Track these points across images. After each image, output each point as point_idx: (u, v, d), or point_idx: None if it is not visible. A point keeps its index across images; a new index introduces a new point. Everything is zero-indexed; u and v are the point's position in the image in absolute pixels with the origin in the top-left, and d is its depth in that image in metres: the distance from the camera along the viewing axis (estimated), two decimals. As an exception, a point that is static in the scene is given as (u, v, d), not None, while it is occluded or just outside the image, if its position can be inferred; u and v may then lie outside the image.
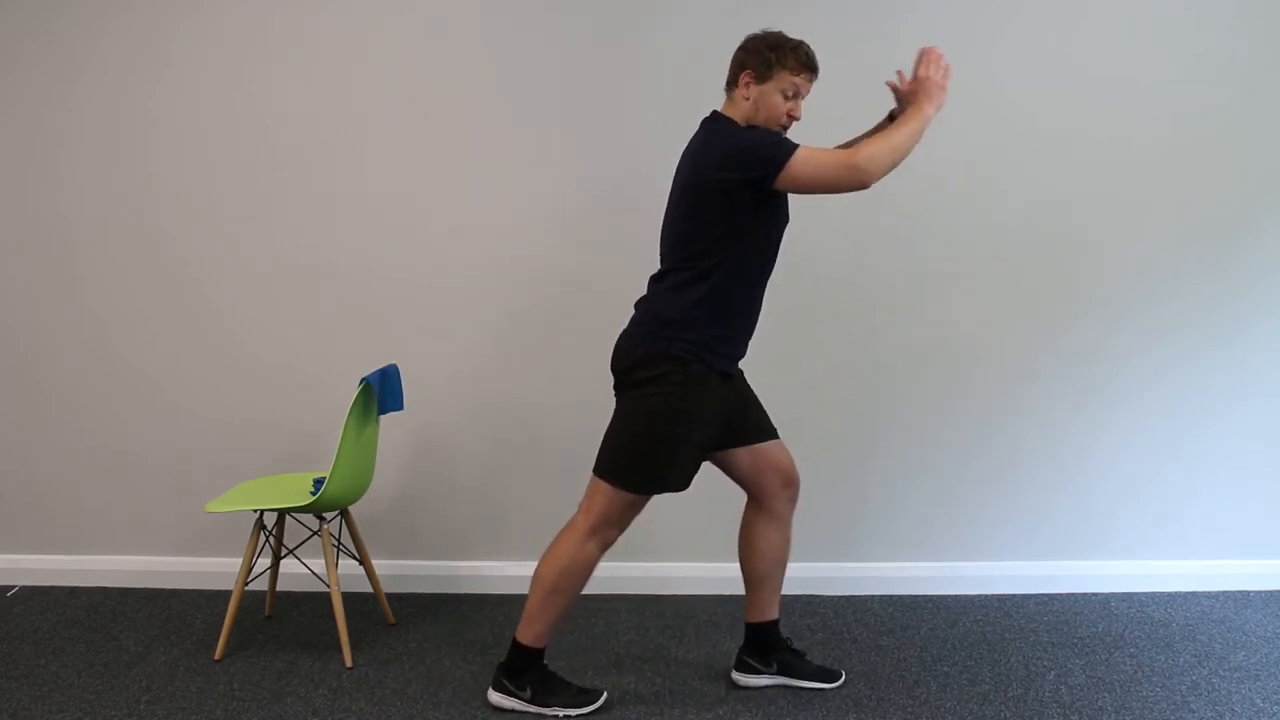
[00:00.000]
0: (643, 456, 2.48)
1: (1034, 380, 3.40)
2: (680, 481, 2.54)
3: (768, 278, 2.55)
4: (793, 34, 2.49)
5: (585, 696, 2.68)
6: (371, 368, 3.34)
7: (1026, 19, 3.23)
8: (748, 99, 2.45)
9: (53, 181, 3.35)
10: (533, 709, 2.64)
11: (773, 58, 2.42)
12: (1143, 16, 3.24)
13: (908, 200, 3.30)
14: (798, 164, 2.32)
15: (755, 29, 2.51)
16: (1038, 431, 3.43)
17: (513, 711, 2.66)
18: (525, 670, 2.64)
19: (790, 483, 2.70)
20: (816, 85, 3.16)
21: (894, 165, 2.33)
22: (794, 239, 3.26)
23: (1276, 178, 3.33)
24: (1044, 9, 3.23)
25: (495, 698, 2.68)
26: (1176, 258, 3.35)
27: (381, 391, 2.97)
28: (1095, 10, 3.24)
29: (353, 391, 3.28)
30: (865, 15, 3.23)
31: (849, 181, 2.31)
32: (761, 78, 2.43)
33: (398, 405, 3.07)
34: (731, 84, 2.50)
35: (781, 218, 2.52)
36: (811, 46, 2.48)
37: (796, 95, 2.46)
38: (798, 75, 2.45)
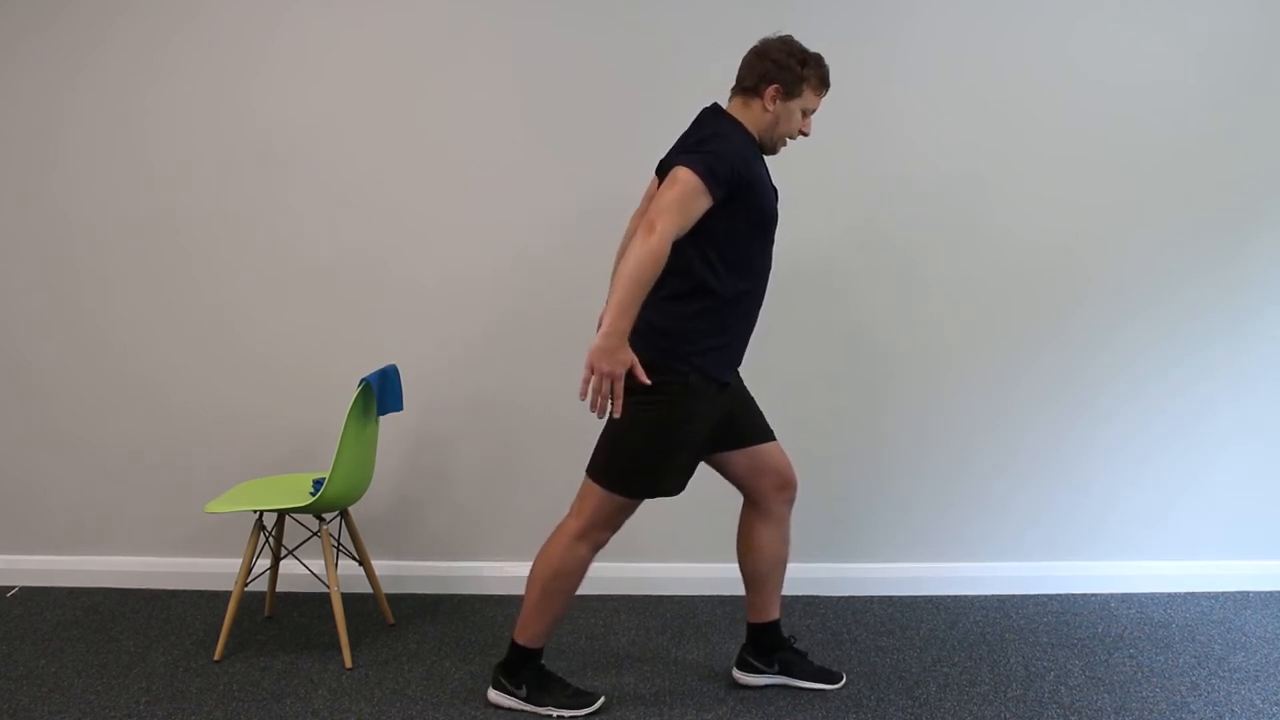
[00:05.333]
0: (636, 462, 2.47)
1: (1032, 379, 3.40)
2: (674, 487, 2.53)
3: (765, 283, 2.54)
4: (788, 32, 2.49)
5: (582, 698, 2.67)
6: (371, 368, 3.34)
7: (1026, 18, 3.23)
8: (769, 111, 2.43)
9: (52, 180, 3.35)
10: (529, 708, 2.64)
11: (804, 75, 2.41)
12: (1141, 14, 3.24)
13: (906, 200, 3.30)
14: (677, 183, 2.28)
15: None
16: (1036, 431, 3.43)
17: (510, 711, 2.66)
18: (521, 669, 2.64)
19: (787, 485, 2.69)
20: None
21: (631, 269, 2.21)
22: (791, 242, 3.27)
23: (1276, 177, 3.32)
24: (1043, 11, 3.23)
25: (494, 695, 2.68)
26: (1175, 256, 3.35)
27: (381, 392, 2.97)
28: (1094, 9, 3.23)
29: (352, 392, 3.29)
30: (865, 15, 3.22)
31: (645, 227, 2.24)
32: (789, 95, 2.42)
33: (397, 406, 3.07)
34: (751, 91, 2.44)
35: (764, 220, 2.46)
36: (814, 44, 2.48)
37: (810, 113, 2.49)
38: (819, 94, 2.47)
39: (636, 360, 2.27)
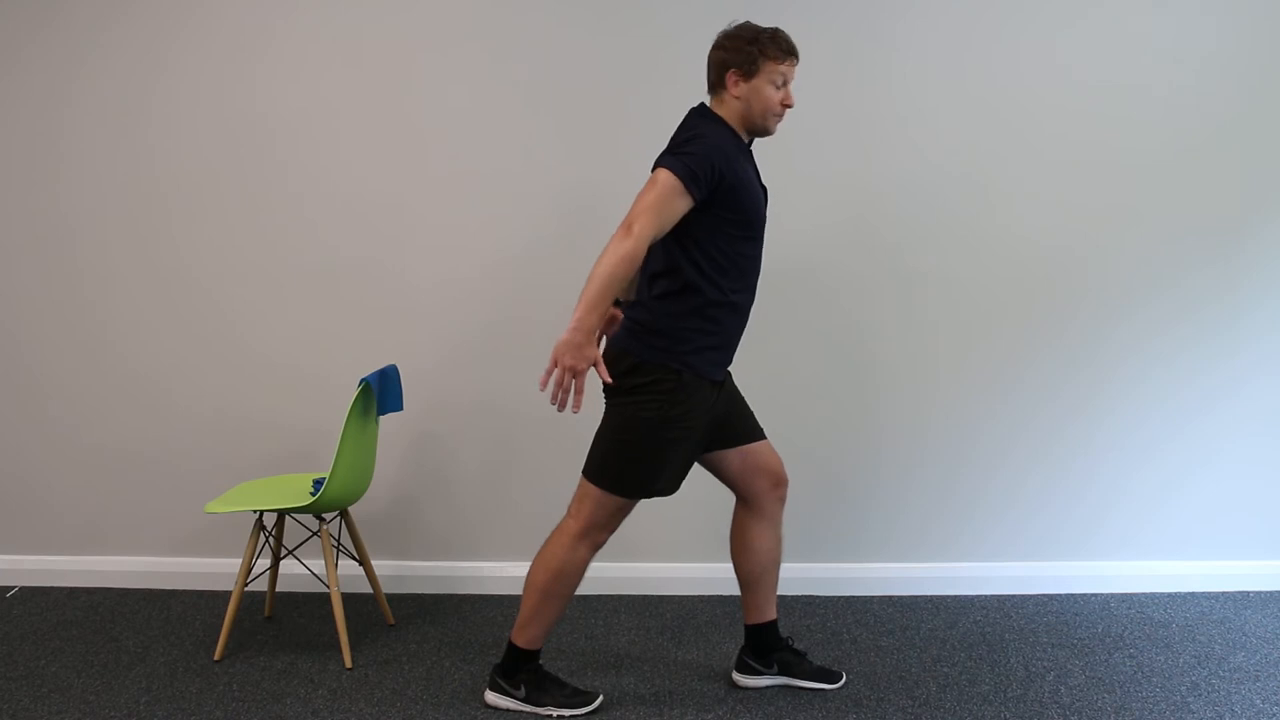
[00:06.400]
0: (632, 462, 2.47)
1: (1030, 379, 3.40)
2: (669, 486, 2.53)
3: (754, 282, 2.54)
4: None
5: (580, 697, 2.67)
6: (371, 368, 3.35)
7: (1025, 18, 3.23)
8: (739, 97, 2.44)
9: (52, 180, 3.35)
10: (527, 709, 2.64)
11: (755, 51, 2.41)
12: (1138, 17, 3.24)
13: (905, 200, 3.30)
14: (656, 185, 2.29)
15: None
16: (1035, 431, 3.43)
17: (508, 711, 2.66)
18: (519, 671, 2.64)
19: (779, 483, 2.69)
20: (816, 85, 3.19)
21: (605, 268, 2.23)
22: (790, 242, 3.28)
23: (1274, 179, 3.32)
24: (1040, 11, 3.23)
25: (491, 697, 2.68)
26: (1173, 256, 3.35)
27: (381, 392, 2.97)
28: (1091, 12, 3.23)
29: (352, 392, 3.29)
30: (865, 15, 3.22)
31: (624, 227, 2.27)
32: (749, 73, 2.42)
33: (397, 405, 3.07)
34: (717, 85, 2.46)
35: (750, 220, 2.45)
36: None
37: (785, 83, 2.45)
38: (783, 63, 2.43)
39: (601, 358, 2.30)
